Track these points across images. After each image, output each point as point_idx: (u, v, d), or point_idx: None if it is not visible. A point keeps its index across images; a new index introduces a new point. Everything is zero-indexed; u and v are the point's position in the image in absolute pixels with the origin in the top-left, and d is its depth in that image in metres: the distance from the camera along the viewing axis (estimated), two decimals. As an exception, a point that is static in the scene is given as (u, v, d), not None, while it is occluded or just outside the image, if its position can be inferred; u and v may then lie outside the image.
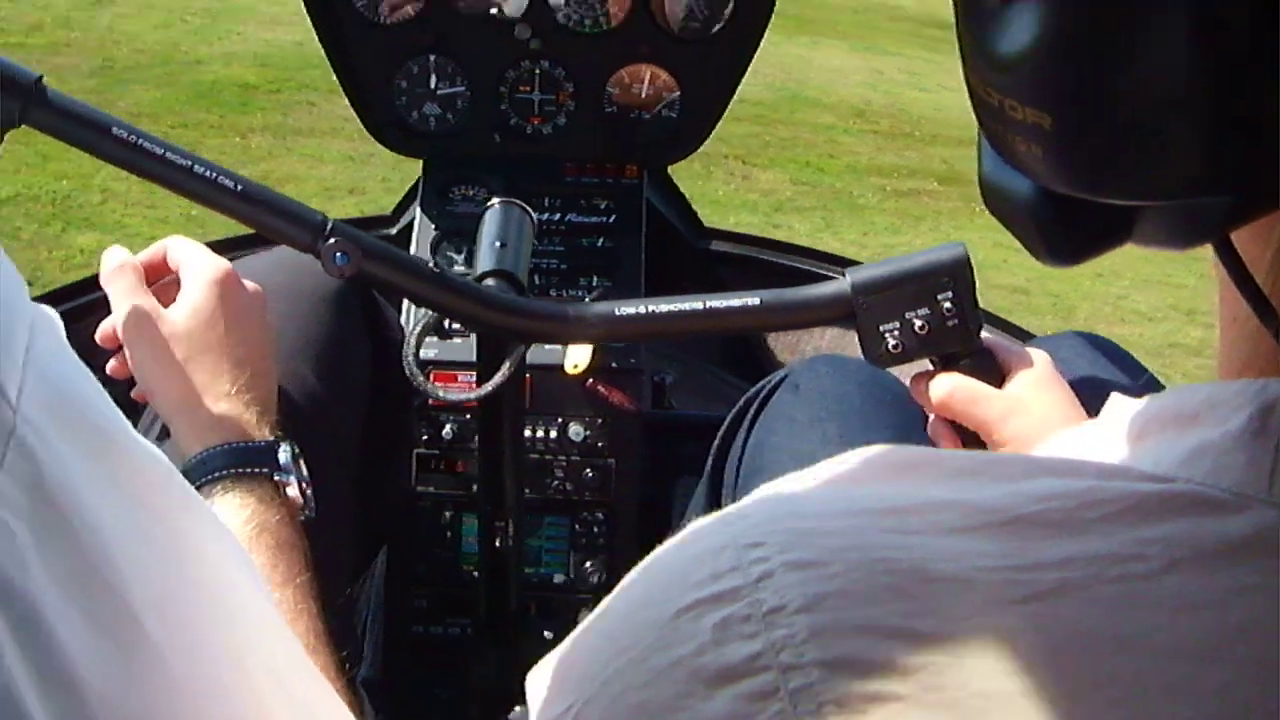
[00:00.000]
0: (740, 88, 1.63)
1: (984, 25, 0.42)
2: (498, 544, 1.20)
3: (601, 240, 1.57)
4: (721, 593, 0.41)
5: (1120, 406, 0.50)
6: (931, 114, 6.56)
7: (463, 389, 1.37)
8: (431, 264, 1.01)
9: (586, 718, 0.43)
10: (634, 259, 1.55)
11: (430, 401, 1.44)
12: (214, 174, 0.97)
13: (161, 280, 1.06)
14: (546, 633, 1.42)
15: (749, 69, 1.62)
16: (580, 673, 0.45)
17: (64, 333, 0.48)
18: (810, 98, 6.62)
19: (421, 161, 1.64)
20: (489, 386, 1.03)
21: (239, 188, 0.98)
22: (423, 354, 1.25)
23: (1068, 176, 0.42)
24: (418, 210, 1.59)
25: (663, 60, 1.61)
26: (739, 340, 2.08)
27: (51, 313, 0.46)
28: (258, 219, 0.99)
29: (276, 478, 0.96)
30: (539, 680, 0.49)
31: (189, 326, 1.00)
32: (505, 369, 1.02)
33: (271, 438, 0.99)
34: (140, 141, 0.96)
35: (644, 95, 1.63)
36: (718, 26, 1.58)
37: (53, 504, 0.42)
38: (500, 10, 1.55)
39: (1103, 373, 1.17)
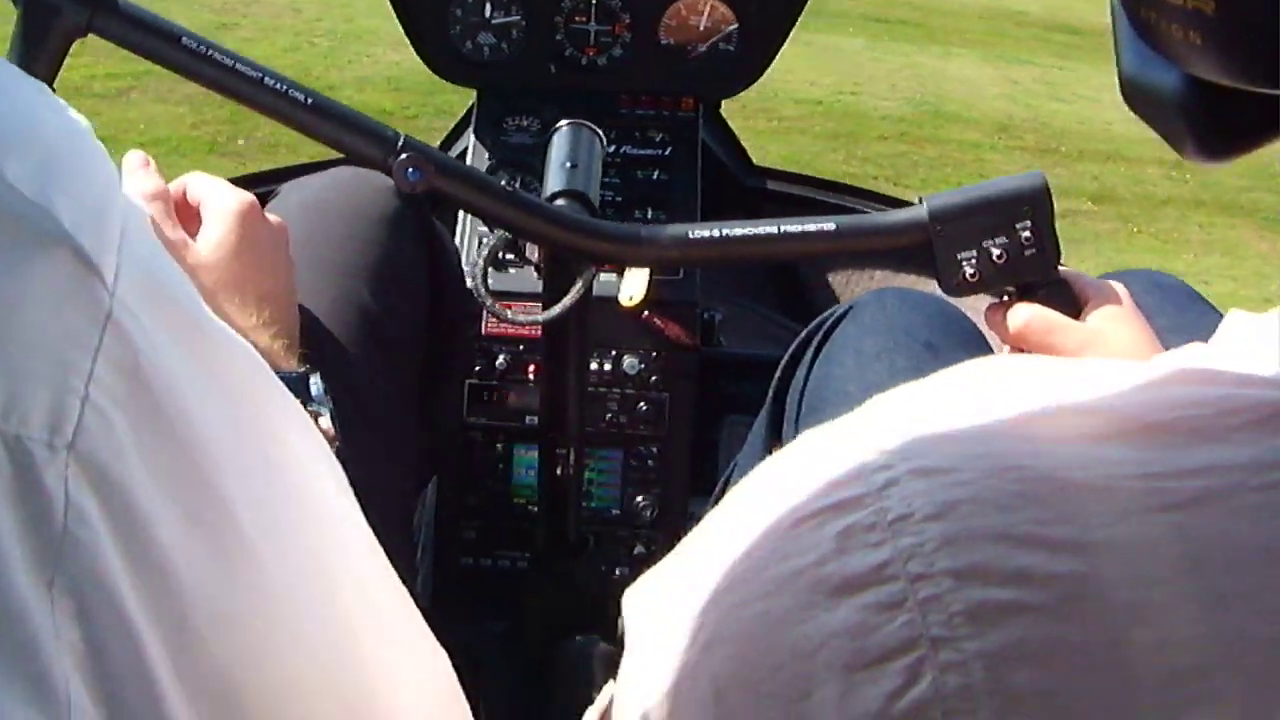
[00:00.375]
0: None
1: None
2: (559, 472, 1.19)
3: (657, 173, 1.55)
4: (843, 500, 0.39)
5: (1240, 323, 0.48)
6: (1075, 128, 6.34)
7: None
8: (503, 183, 0.99)
9: (698, 630, 0.41)
10: (689, 192, 1.54)
11: (485, 331, 1.42)
12: (285, 87, 0.94)
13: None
14: (602, 566, 1.42)
15: (800, 13, 1.60)
16: (691, 585, 0.43)
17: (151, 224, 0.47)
18: (952, 113, 6.31)
19: (475, 92, 1.63)
20: (558, 309, 1.01)
21: (310, 101, 0.95)
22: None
23: (1228, 64, 0.40)
24: (471, 139, 1.57)
25: None
26: (788, 280, 2.06)
27: (141, 203, 0.45)
28: (329, 133, 0.96)
29: (309, 409, 0.93)
30: (641, 595, 0.48)
31: (212, 259, 0.95)
32: (575, 290, 1.00)
33: (301, 369, 0.96)
34: (210, 52, 0.93)
35: (701, 27, 1.61)
36: None
37: (149, 392, 0.41)
38: (557, -61, 1.53)
39: (1176, 310, 1.15)
